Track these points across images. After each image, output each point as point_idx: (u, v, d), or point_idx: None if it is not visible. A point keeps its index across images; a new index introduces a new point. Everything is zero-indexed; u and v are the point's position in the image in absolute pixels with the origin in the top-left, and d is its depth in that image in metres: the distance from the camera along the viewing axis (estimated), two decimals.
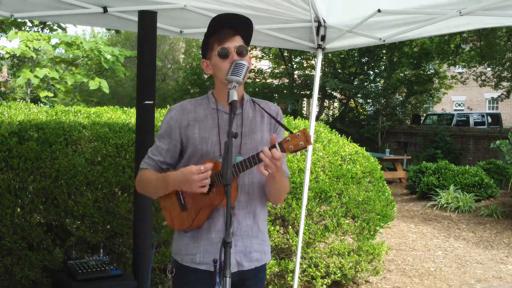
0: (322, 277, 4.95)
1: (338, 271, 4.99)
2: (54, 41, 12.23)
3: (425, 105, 22.99)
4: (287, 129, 2.10)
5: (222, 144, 2.15)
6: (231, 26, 2.16)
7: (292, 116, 6.01)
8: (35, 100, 15.14)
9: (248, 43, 2.22)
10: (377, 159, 5.65)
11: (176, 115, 2.21)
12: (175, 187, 2.13)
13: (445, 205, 9.76)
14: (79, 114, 5.11)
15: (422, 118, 22.23)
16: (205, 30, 2.22)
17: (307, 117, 12.63)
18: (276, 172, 2.03)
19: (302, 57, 20.44)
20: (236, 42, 2.15)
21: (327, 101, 23.13)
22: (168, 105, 4.24)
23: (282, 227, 4.95)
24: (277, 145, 2.00)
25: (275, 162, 1.97)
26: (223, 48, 2.13)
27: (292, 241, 4.78)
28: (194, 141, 2.17)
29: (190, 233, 2.20)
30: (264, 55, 21.89)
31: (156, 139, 2.27)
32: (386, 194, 5.43)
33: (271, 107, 2.29)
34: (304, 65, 21.09)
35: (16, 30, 11.17)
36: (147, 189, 2.25)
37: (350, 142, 5.60)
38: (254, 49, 20.77)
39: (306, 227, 4.81)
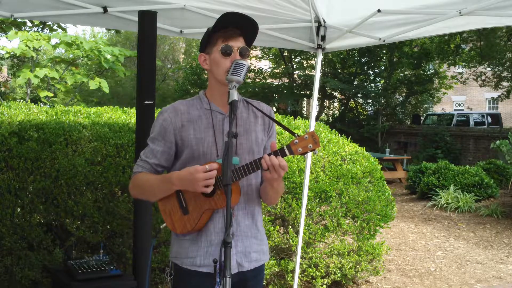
0: (322, 277, 4.95)
1: (338, 271, 4.99)
2: (54, 41, 12.25)
3: (425, 105, 23.00)
4: (287, 129, 2.10)
5: (218, 145, 2.15)
6: (238, 26, 2.17)
7: (292, 116, 6.00)
8: (35, 100, 15.14)
9: (250, 45, 2.22)
10: (377, 159, 5.65)
11: (169, 116, 2.18)
12: (180, 187, 2.09)
13: (445, 205, 9.75)
14: (79, 114, 5.10)
15: (422, 118, 22.24)
16: (205, 30, 2.22)
17: (307, 117, 12.64)
18: (278, 178, 2.04)
19: (302, 57, 20.44)
20: (240, 43, 2.16)
21: (327, 101, 23.14)
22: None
23: (282, 227, 4.95)
24: (285, 148, 2.01)
25: (280, 171, 1.99)
26: (227, 45, 2.13)
27: (292, 241, 4.78)
28: (190, 142, 2.15)
29: (189, 236, 2.17)
30: (264, 55, 21.91)
31: (149, 141, 2.22)
32: (386, 194, 5.42)
33: (263, 107, 2.29)
34: (304, 65, 21.08)
35: (16, 30, 11.18)
36: (145, 192, 2.21)
37: (350, 142, 5.60)
38: (254, 49, 20.76)
39: (306, 227, 4.81)
